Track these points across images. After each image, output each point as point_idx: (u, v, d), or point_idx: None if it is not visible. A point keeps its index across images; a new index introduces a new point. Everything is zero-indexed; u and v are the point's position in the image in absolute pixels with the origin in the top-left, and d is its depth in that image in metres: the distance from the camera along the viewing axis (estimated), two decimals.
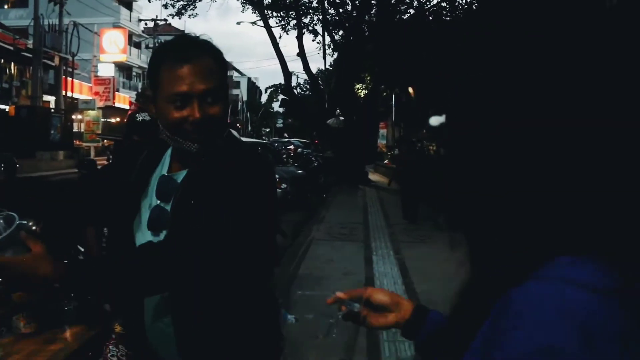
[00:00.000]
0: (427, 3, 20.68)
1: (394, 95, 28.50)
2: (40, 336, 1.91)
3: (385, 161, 29.19)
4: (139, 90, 40.94)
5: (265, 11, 21.76)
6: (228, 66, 1.56)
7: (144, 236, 1.50)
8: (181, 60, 1.39)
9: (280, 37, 23.56)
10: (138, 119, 3.09)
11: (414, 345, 1.14)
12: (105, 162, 14.65)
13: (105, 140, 27.19)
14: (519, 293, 0.63)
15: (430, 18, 20.49)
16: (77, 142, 28.79)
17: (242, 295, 1.46)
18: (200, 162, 1.44)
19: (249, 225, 1.38)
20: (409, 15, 21.45)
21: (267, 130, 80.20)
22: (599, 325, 0.59)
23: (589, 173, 0.64)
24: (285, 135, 61.06)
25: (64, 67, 27.93)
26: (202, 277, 1.34)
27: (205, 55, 1.43)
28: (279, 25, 23.12)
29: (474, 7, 18.47)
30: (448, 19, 19.66)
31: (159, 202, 1.48)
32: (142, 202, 1.53)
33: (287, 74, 21.90)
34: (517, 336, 0.61)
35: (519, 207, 0.67)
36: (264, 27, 21.34)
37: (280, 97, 49.40)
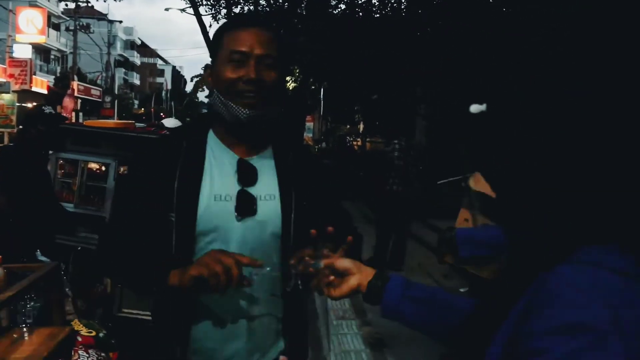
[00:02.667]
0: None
1: (322, 89, 28.62)
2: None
3: None
4: (58, 75, 39.01)
5: None
6: (285, 48, 1.57)
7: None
8: (244, 25, 1.49)
9: (210, 25, 23.07)
10: (45, 111, 3.34)
11: (380, 309, 1.18)
12: None
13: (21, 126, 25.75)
14: (554, 275, 0.70)
15: (361, 14, 20.72)
16: None
17: None
18: (288, 146, 1.60)
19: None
20: (339, 10, 21.60)
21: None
22: (627, 305, 0.66)
23: (618, 177, 0.71)
24: None
25: None
26: None
27: (267, 28, 1.51)
28: (209, 14, 22.64)
29: (402, 7, 18.96)
30: (377, 16, 19.98)
31: (241, 187, 1.48)
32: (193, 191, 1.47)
33: None
34: (549, 313, 0.66)
35: (563, 202, 0.74)
36: (193, 14, 20.85)
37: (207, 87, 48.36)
